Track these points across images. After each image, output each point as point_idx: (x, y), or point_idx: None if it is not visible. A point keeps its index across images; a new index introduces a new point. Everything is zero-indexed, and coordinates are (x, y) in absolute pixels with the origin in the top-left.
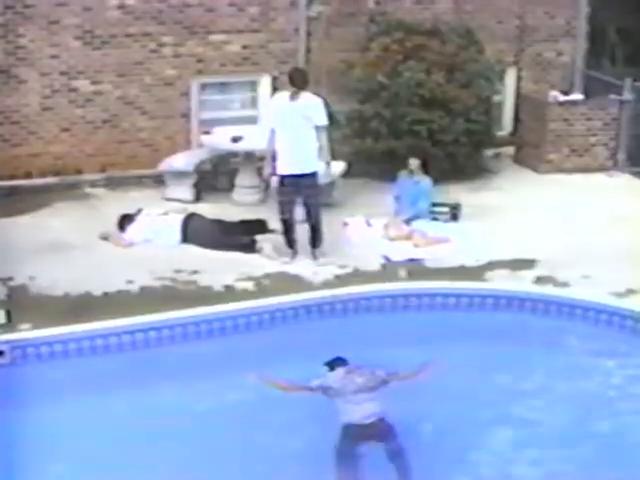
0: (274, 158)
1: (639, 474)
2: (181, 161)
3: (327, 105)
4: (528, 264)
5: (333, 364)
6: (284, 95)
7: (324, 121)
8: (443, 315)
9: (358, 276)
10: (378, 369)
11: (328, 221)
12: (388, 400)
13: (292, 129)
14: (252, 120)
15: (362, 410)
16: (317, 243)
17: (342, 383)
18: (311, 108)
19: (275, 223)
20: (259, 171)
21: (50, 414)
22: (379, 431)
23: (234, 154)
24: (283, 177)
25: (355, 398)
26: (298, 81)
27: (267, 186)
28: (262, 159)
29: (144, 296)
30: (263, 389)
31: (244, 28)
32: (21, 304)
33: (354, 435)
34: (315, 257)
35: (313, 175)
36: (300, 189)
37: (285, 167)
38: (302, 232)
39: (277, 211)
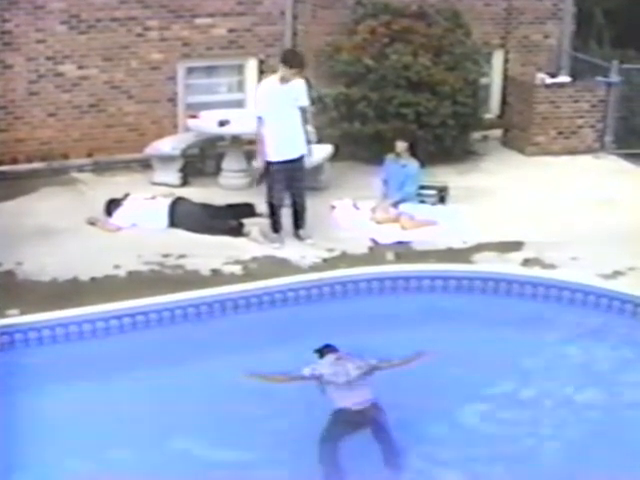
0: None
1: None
2: (168, 145)
3: (309, 86)
4: (515, 246)
5: (322, 351)
6: (272, 80)
7: (307, 102)
8: (431, 298)
9: (346, 259)
10: (368, 356)
11: (315, 204)
12: (377, 385)
13: (283, 113)
14: (239, 104)
15: (355, 396)
16: (302, 224)
17: (334, 370)
18: (297, 90)
19: (262, 207)
20: (247, 155)
21: (37, 400)
22: (371, 417)
23: (221, 138)
24: (277, 163)
25: (347, 384)
26: (294, 63)
27: (261, 177)
28: (250, 143)
29: (131, 281)
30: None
31: (230, 11)
32: (8, 290)
33: (346, 421)
34: (301, 238)
35: (302, 158)
36: (291, 173)
37: (279, 153)
38: (285, 216)
39: (266, 196)
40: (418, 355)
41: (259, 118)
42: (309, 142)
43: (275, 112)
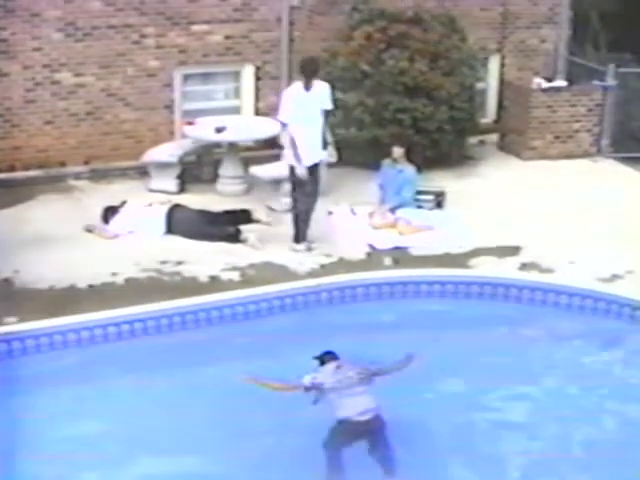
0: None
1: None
2: (165, 152)
3: (332, 89)
4: (513, 251)
5: (323, 358)
6: (298, 86)
7: (331, 105)
8: (428, 303)
9: (343, 265)
10: (367, 363)
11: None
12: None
13: (309, 119)
14: (235, 110)
15: (359, 405)
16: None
17: (335, 377)
18: (323, 94)
19: (259, 213)
20: (243, 161)
21: (35, 406)
22: (375, 427)
23: (218, 145)
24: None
25: (349, 392)
26: (308, 70)
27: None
28: (247, 149)
29: (129, 288)
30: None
31: (226, 18)
32: (6, 297)
33: (349, 431)
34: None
35: (319, 163)
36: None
37: (308, 157)
38: (285, 223)
39: (292, 206)
40: (409, 359)
41: (284, 124)
42: (327, 145)
43: (302, 117)
